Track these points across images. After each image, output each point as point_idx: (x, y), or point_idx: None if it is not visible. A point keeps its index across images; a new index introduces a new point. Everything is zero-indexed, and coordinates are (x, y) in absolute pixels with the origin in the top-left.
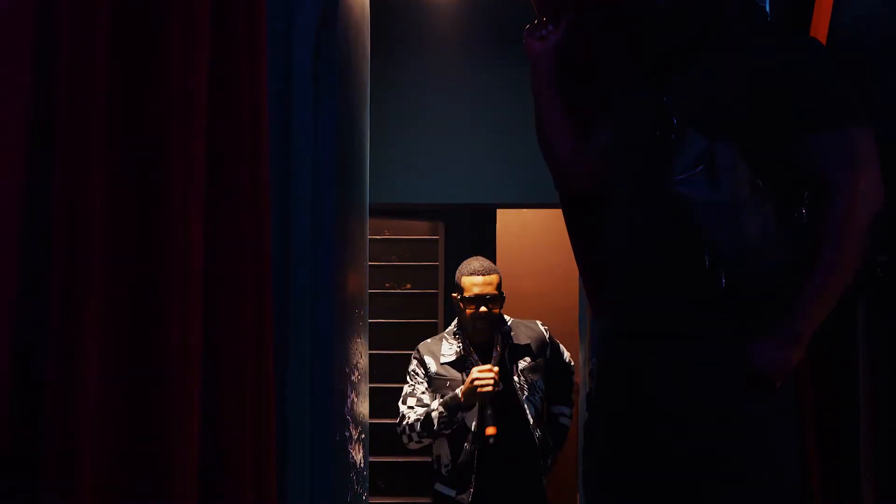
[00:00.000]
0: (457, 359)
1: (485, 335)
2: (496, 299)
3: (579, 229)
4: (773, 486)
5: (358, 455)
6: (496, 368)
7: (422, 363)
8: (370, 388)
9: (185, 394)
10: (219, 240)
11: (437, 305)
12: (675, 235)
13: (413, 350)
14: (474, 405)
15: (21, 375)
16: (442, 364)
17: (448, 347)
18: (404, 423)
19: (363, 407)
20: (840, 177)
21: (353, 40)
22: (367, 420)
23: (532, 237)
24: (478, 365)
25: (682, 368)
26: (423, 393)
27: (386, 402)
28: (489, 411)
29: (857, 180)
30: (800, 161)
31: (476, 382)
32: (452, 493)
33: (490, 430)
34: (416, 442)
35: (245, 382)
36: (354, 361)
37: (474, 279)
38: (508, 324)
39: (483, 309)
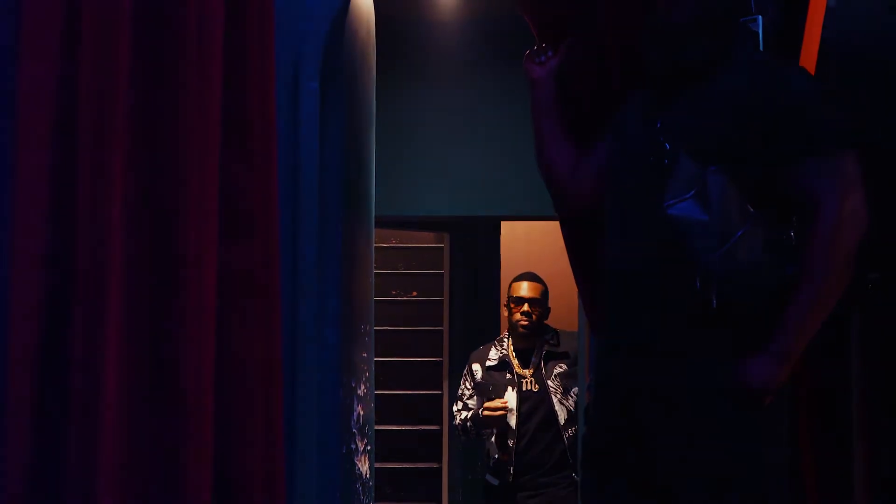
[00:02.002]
0: (499, 363)
1: (527, 340)
2: (538, 304)
3: (577, 248)
4: (763, 499)
5: (364, 466)
6: (507, 402)
7: (469, 370)
8: (377, 394)
9: (199, 409)
10: (230, 263)
11: (443, 313)
12: (668, 256)
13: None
14: (491, 426)
15: (45, 383)
16: (487, 368)
17: (495, 352)
18: (453, 423)
19: (369, 419)
20: (826, 201)
21: (360, 63)
22: (373, 431)
23: (536, 246)
24: (517, 368)
25: (674, 385)
26: (469, 398)
27: (393, 408)
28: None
29: (843, 204)
30: (787, 186)
31: (484, 413)
32: (496, 482)
33: (503, 458)
34: (465, 439)
35: (255, 398)
36: (360, 375)
37: (521, 283)
38: (552, 333)
39: (525, 308)
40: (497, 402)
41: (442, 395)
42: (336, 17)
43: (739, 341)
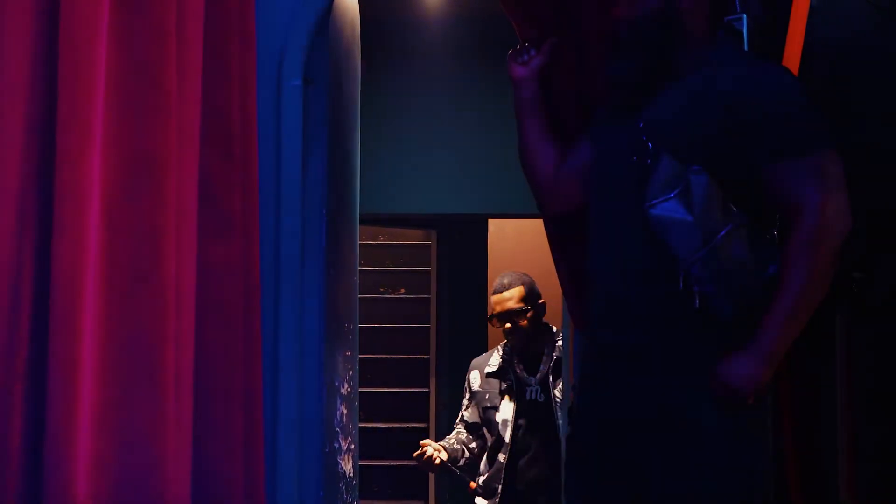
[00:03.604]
0: (498, 369)
1: (531, 343)
2: (517, 313)
3: (561, 247)
4: (746, 498)
5: (347, 465)
6: (427, 446)
7: (468, 380)
8: (363, 392)
9: (178, 409)
10: (210, 262)
11: (430, 310)
12: (651, 256)
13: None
14: (432, 471)
15: (19, 399)
16: (486, 375)
17: (496, 357)
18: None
19: (353, 418)
20: (808, 202)
21: (344, 60)
22: (358, 430)
23: (525, 242)
24: (521, 374)
25: (658, 385)
26: (465, 409)
27: (380, 406)
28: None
29: (825, 205)
30: (770, 186)
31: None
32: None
33: (472, 485)
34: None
35: (236, 398)
36: (344, 374)
37: (494, 297)
38: (560, 336)
39: (507, 325)
40: (422, 448)
41: (429, 392)
42: (320, 15)
43: (723, 341)
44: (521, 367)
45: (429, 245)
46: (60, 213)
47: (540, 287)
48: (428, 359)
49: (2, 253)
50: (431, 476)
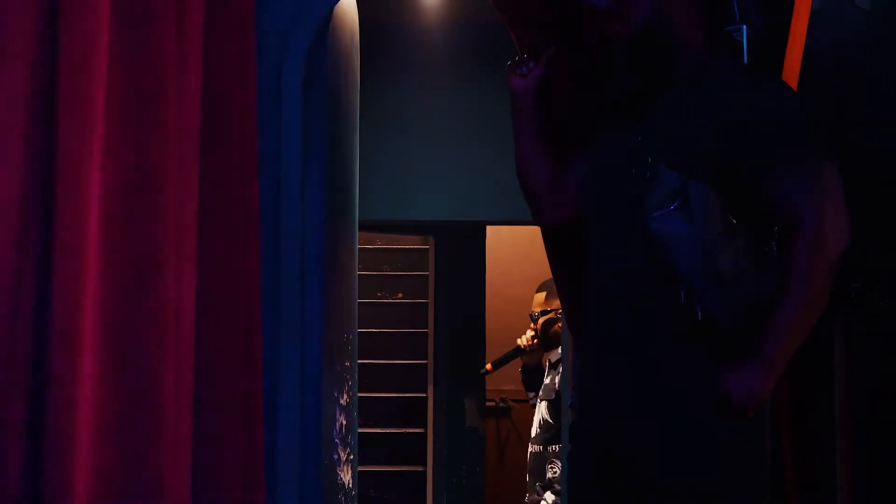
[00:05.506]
0: None
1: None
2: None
3: (560, 260)
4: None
5: (346, 476)
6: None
7: None
8: (362, 397)
9: (177, 419)
10: (210, 273)
11: (428, 315)
12: (651, 269)
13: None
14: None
15: (19, 405)
16: None
17: None
18: None
19: (352, 429)
20: (807, 212)
21: (343, 68)
22: (357, 440)
23: (522, 246)
24: None
25: (658, 398)
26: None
27: (377, 411)
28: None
29: (824, 215)
30: (769, 197)
31: None
32: None
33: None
34: None
35: (235, 409)
36: (343, 385)
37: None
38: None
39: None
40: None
41: (427, 398)
42: (320, 22)
43: (724, 353)
44: None
45: (426, 249)
46: (60, 224)
47: (534, 284)
48: (426, 364)
49: (2, 264)
50: (429, 482)
